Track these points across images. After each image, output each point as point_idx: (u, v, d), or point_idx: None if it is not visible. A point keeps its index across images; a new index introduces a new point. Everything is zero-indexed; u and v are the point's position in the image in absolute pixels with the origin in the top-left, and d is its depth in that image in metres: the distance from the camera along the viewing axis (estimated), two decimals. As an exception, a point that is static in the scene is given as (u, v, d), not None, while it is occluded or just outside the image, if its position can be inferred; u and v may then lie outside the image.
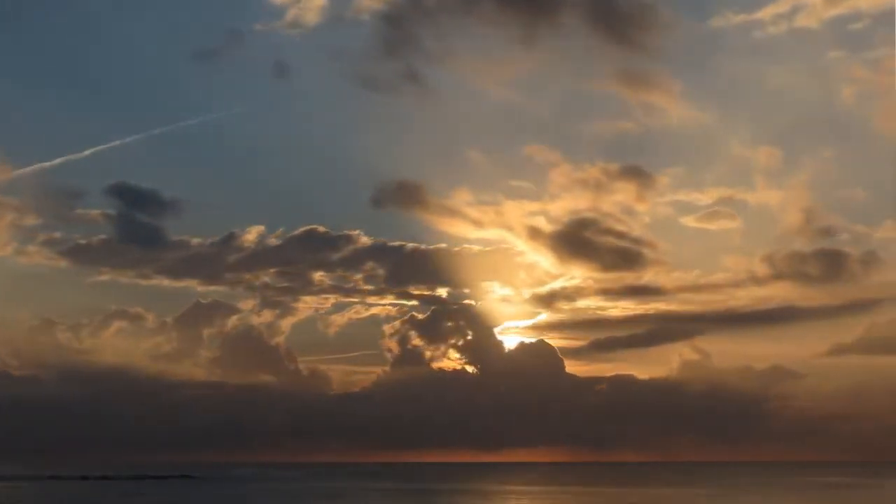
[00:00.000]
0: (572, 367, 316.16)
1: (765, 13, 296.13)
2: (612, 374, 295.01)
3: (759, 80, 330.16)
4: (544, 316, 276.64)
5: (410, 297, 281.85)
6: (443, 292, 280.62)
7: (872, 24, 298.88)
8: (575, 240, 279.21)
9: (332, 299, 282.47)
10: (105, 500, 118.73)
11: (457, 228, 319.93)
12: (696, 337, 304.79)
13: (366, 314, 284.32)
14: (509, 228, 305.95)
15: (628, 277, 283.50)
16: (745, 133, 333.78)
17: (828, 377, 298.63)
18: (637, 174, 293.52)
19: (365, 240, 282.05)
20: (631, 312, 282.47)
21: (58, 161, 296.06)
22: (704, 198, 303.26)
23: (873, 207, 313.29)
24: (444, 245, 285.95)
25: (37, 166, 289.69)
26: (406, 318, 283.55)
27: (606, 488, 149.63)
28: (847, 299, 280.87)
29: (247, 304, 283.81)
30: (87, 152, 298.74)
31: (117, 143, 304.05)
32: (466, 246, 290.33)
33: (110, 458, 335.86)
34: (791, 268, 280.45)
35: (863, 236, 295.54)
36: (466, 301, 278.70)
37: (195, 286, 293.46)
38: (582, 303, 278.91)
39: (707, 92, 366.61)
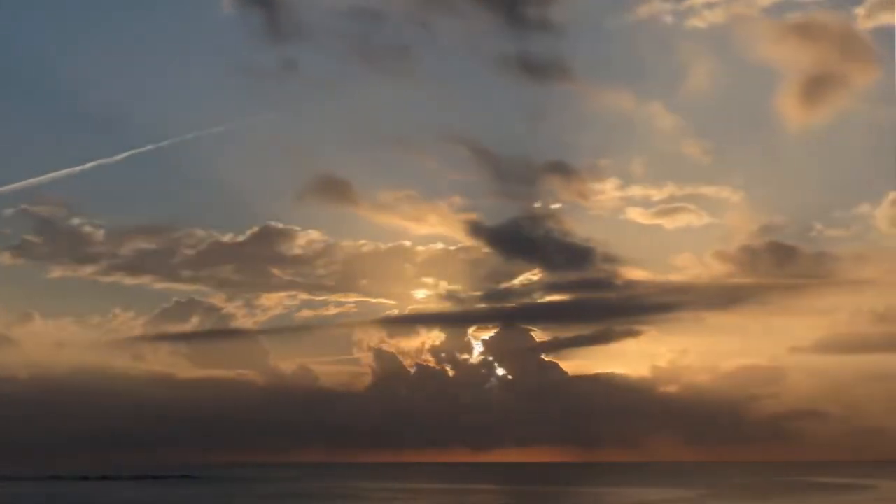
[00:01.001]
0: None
1: (696, 0, 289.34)
2: (573, 371, 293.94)
3: (689, 70, 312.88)
4: (500, 313, 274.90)
5: (371, 294, 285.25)
6: (403, 290, 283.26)
7: (811, 11, 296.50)
8: (519, 237, 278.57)
9: (299, 296, 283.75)
10: (105, 500, 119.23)
11: (396, 225, 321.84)
12: (648, 334, 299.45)
13: (334, 311, 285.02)
14: (449, 226, 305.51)
15: (576, 274, 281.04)
16: (678, 126, 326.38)
17: (788, 376, 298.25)
18: (566, 169, 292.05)
19: (316, 236, 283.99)
20: (581, 309, 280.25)
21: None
22: (648, 193, 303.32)
23: (818, 202, 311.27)
24: (400, 243, 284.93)
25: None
26: (377, 316, 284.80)
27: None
28: (804, 297, 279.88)
29: (217, 300, 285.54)
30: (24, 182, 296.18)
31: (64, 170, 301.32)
32: (409, 244, 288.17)
33: (110, 458, 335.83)
34: (744, 264, 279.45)
35: (811, 232, 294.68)
36: (428, 299, 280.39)
37: (151, 283, 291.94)
38: (536, 300, 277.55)
39: (634, 83, 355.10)
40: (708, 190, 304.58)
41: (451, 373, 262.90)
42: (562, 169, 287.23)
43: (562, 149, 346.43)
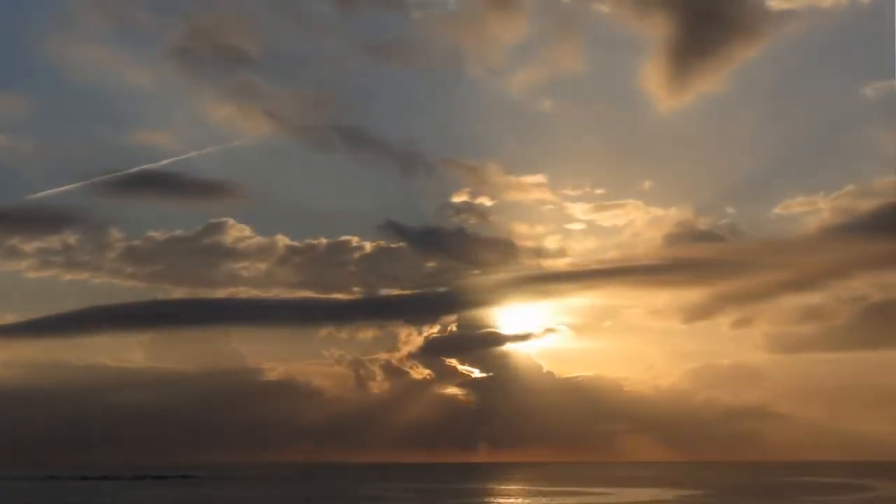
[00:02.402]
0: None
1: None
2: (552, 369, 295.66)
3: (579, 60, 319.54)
4: (435, 309, 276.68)
5: (329, 289, 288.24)
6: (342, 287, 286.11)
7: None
8: (446, 236, 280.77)
9: (253, 292, 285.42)
10: (105, 500, 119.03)
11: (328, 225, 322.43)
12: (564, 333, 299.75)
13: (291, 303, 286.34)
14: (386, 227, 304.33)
15: (507, 269, 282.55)
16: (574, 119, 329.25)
17: (729, 374, 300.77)
18: (468, 166, 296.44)
19: (250, 233, 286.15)
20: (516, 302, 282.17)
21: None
22: (555, 186, 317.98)
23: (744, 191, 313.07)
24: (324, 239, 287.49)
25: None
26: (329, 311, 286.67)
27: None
28: (743, 290, 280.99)
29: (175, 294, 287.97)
30: None
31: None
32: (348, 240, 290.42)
33: (110, 458, 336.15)
34: (677, 260, 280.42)
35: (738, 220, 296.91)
36: (377, 296, 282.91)
37: (90, 278, 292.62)
38: (473, 295, 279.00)
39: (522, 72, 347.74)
40: (609, 184, 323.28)
41: (407, 370, 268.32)
42: (458, 166, 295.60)
43: (454, 141, 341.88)
